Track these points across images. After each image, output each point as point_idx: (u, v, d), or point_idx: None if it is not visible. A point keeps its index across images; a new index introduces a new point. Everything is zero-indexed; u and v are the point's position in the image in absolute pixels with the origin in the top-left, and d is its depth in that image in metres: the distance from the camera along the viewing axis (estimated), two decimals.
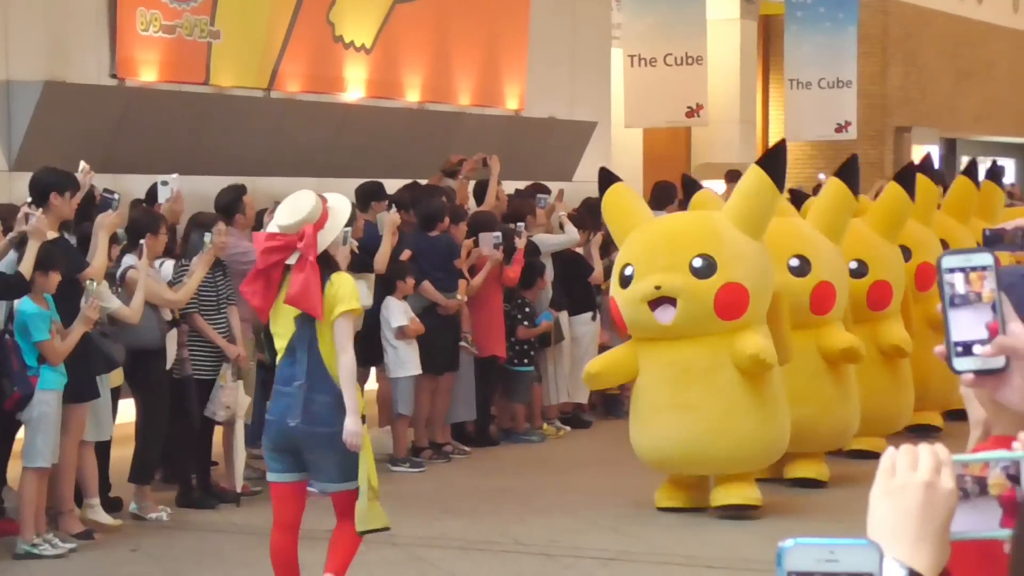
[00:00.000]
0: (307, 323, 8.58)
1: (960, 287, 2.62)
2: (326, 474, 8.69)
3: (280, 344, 8.78)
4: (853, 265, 13.31)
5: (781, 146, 12.00)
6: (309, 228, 8.53)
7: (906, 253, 14.04)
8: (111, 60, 15.17)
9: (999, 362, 2.64)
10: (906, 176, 13.95)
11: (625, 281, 11.46)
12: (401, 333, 13.71)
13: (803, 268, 12.39)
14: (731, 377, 11.31)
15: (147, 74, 15.45)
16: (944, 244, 14.49)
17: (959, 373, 2.66)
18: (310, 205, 8.61)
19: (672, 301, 11.20)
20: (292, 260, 8.58)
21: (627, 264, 11.56)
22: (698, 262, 11.23)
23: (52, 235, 11.09)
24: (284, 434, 8.67)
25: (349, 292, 8.59)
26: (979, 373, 2.67)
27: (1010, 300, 2.66)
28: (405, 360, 13.80)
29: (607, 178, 12.15)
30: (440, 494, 12.81)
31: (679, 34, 23.74)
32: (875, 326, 13.53)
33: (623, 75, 23.62)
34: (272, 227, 8.92)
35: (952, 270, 2.62)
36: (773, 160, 11.67)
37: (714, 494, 11.69)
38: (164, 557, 10.82)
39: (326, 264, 8.61)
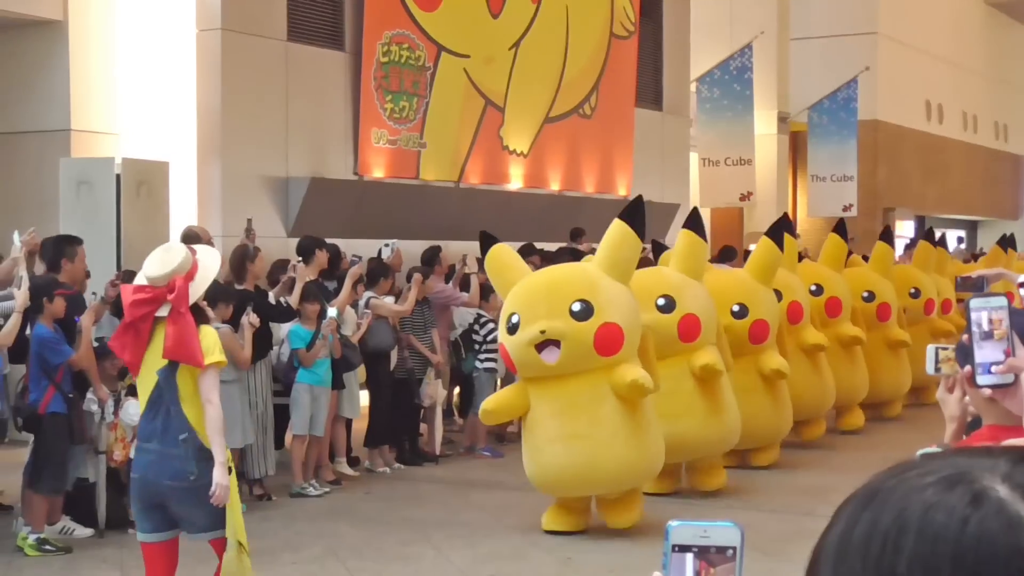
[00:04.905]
0: (169, 376, 6.20)
1: (984, 323, 2.59)
2: (197, 525, 6.28)
3: (142, 398, 6.37)
4: (735, 308, 11.42)
5: (639, 202, 9.49)
6: (179, 280, 6.22)
7: (777, 295, 12.10)
8: (355, 162, 15.32)
9: (1010, 378, 2.61)
10: (775, 233, 11.92)
11: (512, 328, 9.09)
12: None
13: (669, 305, 10.26)
14: (612, 407, 9.05)
15: (377, 172, 15.58)
16: (819, 287, 13.50)
17: (981, 387, 2.63)
18: (180, 257, 6.28)
19: (556, 343, 8.94)
20: (163, 312, 6.22)
21: (513, 313, 9.16)
22: (577, 306, 8.97)
23: (311, 277, 11.22)
24: (149, 490, 6.25)
25: (214, 344, 6.25)
26: (995, 387, 2.64)
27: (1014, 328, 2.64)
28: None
29: (487, 240, 9.66)
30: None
31: (735, 144, 23.72)
32: (756, 357, 11.52)
33: (697, 171, 23.59)
34: (139, 279, 6.41)
35: (977, 309, 2.59)
36: (634, 214, 9.30)
37: (609, 519, 9.45)
38: (388, 498, 10.86)
39: (198, 315, 6.31)
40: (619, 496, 9.37)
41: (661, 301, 10.29)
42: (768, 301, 11.76)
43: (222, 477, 6.15)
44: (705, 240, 10.78)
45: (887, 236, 15.66)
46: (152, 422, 6.25)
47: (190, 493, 6.16)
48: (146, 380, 6.28)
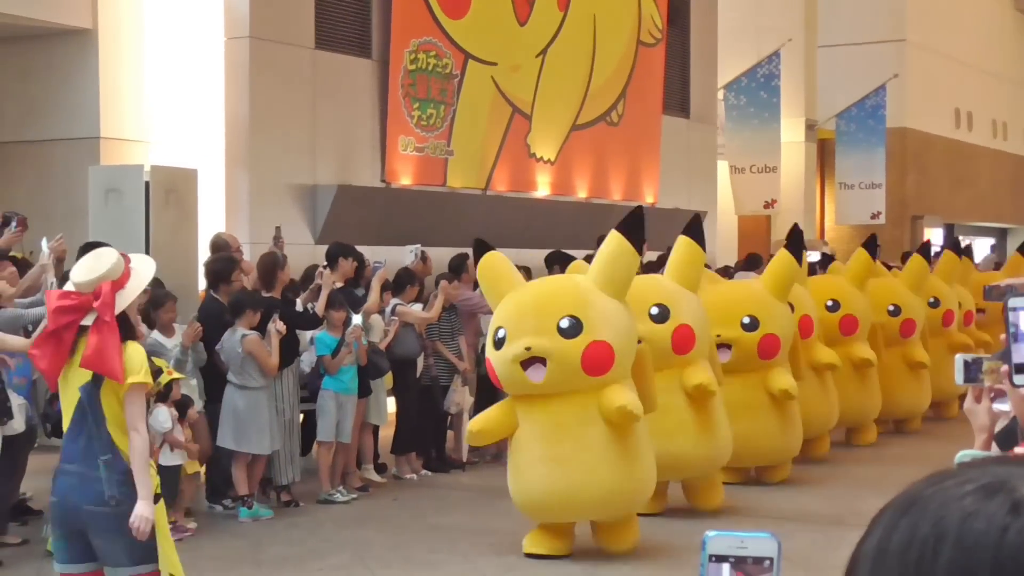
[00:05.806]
0: (93, 392, 5.59)
1: (1022, 324, 2.48)
2: (115, 559, 5.59)
3: (66, 416, 5.72)
4: (746, 320, 10.95)
5: (639, 212, 8.78)
6: (106, 286, 5.59)
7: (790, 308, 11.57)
8: (382, 170, 15.33)
9: None
10: (794, 246, 11.41)
11: (498, 343, 8.57)
12: None
13: (663, 315, 9.70)
14: (600, 431, 8.47)
15: (405, 179, 15.59)
16: (835, 301, 13.16)
17: (1017, 387, 2.54)
18: (110, 263, 5.66)
19: (543, 361, 8.38)
20: (88, 321, 5.61)
21: (500, 327, 8.64)
22: (565, 323, 8.40)
23: (339, 285, 11.23)
24: (68, 516, 5.64)
25: (140, 364, 5.62)
26: None
27: None
28: None
29: (481, 247, 9.15)
30: None
31: (761, 151, 23.70)
32: (765, 373, 11.04)
33: (728, 179, 23.58)
34: (68, 285, 5.84)
35: (1016, 310, 2.49)
36: (632, 226, 8.64)
37: (604, 541, 9.00)
38: (414, 505, 10.86)
39: (124, 328, 5.65)
40: (613, 521, 8.94)
41: (655, 310, 9.74)
42: (781, 316, 11.27)
43: (144, 509, 5.53)
44: (704, 249, 10.14)
45: (925, 249, 15.37)
46: (75, 442, 5.65)
47: (111, 521, 5.55)
48: (69, 396, 5.69)
